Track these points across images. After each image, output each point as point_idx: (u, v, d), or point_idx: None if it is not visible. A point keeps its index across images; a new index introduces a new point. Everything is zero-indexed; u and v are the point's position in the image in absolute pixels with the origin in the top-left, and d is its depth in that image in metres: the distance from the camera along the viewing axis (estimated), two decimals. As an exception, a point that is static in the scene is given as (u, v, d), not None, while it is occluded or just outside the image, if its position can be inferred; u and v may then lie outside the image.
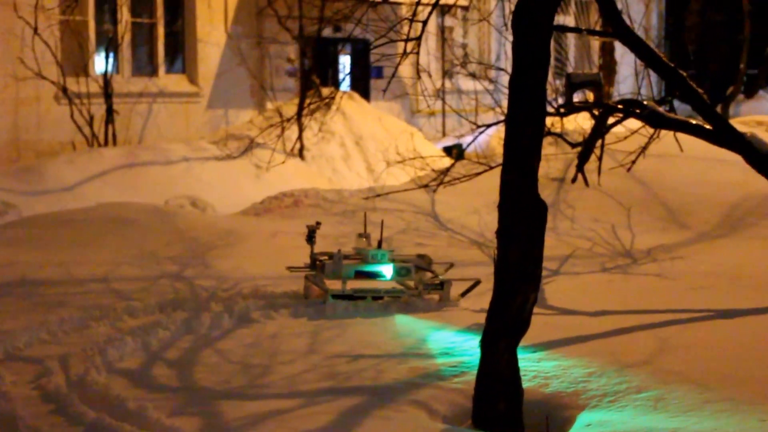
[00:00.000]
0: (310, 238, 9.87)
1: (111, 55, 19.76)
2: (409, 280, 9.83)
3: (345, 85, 24.51)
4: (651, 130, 13.88)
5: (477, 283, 9.97)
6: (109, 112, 19.12)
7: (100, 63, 19.90)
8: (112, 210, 13.32)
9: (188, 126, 21.36)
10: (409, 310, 9.44)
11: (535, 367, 7.38)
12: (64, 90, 18.43)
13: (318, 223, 10.09)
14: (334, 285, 9.63)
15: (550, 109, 13.73)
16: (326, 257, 9.85)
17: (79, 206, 14.38)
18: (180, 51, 22.02)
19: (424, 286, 9.69)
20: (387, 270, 9.74)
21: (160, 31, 21.30)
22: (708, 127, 10.35)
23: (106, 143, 19.01)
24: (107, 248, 11.98)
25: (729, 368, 7.32)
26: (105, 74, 19.17)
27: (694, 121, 10.74)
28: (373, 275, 9.75)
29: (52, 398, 6.78)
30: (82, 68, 19.00)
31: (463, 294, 9.90)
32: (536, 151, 6.33)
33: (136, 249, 11.97)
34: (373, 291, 9.72)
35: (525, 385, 6.65)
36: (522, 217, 6.31)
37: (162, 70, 21.33)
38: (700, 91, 10.25)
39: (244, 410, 6.54)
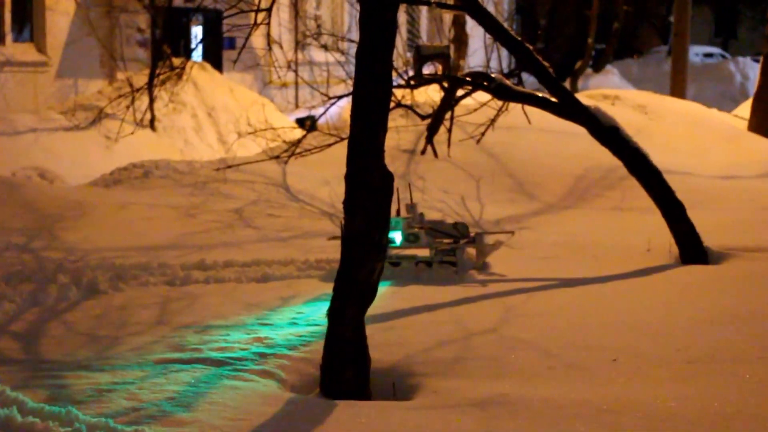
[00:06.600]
0: None
1: (-44, 22, 19.33)
2: (419, 246, 9.96)
3: (197, 56, 24.33)
4: (500, 103, 14.10)
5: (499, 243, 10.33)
6: (-46, 80, 18.73)
7: (-57, 30, 19.46)
8: (-43, 181, 13.05)
9: (36, 96, 20.98)
10: (423, 281, 9.58)
11: (383, 336, 7.45)
12: None
13: None
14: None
15: (400, 81, 13.86)
16: None
17: None
18: (28, 19, 21.59)
19: (435, 254, 9.80)
20: (397, 236, 9.89)
21: (7, -2, 20.88)
22: (554, 100, 10.57)
23: (-50, 113, 18.62)
24: (-49, 220, 11.74)
25: (571, 335, 7.49)
26: (-51, 42, 18.76)
27: (541, 95, 10.96)
28: None
29: None
30: (-75, 35, 18.56)
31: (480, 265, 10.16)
32: (382, 123, 6.38)
33: (-19, 221, 11.75)
34: (411, 258, 9.89)
35: (372, 353, 6.71)
36: (368, 188, 6.36)
37: (9, 38, 20.90)
38: (546, 64, 10.47)
39: (91, 381, 6.46)
